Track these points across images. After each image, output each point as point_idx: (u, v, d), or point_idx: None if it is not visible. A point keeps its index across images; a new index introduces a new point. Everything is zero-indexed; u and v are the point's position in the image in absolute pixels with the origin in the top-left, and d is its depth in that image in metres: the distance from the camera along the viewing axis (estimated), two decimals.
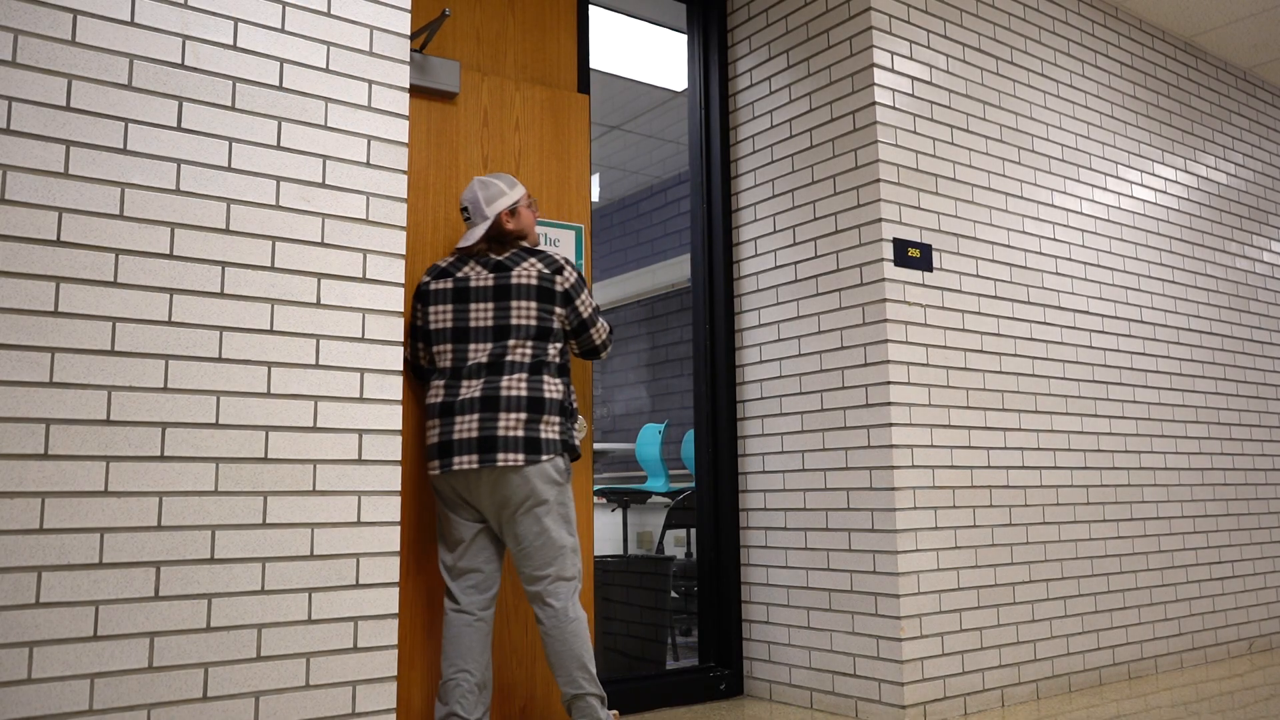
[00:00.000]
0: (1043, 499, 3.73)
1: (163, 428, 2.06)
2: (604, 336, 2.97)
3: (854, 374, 3.42)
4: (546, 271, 2.81)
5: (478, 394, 2.70)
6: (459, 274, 2.80)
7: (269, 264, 2.23)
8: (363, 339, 2.34)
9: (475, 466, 2.65)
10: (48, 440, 1.94)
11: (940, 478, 3.40)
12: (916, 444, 3.35)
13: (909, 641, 3.21)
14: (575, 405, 2.86)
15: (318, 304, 2.29)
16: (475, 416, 2.68)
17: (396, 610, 2.31)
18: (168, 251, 2.11)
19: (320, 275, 2.30)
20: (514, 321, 2.76)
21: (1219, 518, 4.49)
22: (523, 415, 2.69)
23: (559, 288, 2.82)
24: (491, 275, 2.79)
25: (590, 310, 2.91)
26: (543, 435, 2.70)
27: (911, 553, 3.27)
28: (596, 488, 5.76)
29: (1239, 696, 3.59)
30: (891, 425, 3.29)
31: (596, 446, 7.07)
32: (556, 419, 2.75)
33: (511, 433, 2.67)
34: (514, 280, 2.77)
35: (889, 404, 3.30)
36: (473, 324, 2.76)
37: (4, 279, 1.93)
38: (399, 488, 2.37)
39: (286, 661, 2.15)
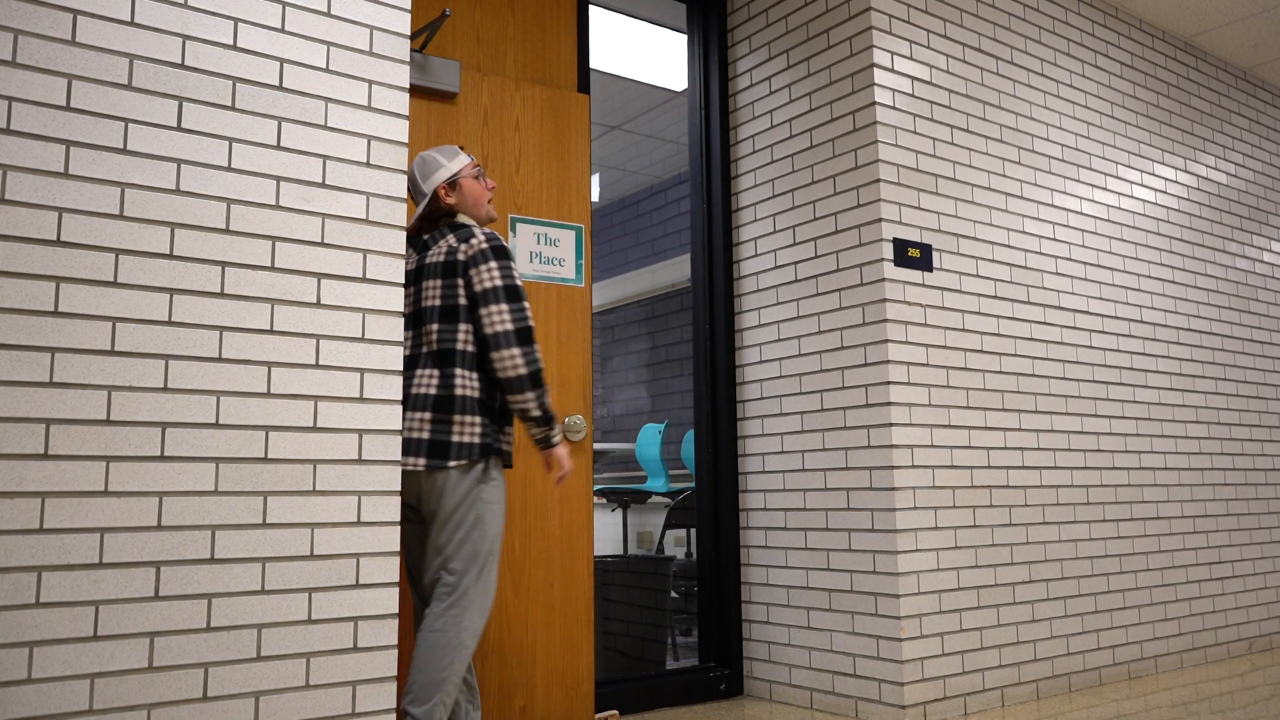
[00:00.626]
0: (1043, 499, 3.73)
1: (163, 428, 2.06)
2: (508, 325, 2.46)
3: (854, 374, 3.42)
4: (455, 243, 2.53)
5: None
6: (412, 259, 2.65)
7: (269, 264, 2.23)
8: (363, 339, 2.34)
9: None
10: (48, 440, 1.94)
11: (940, 478, 3.40)
12: (916, 444, 3.35)
13: (909, 641, 3.21)
14: (501, 405, 2.56)
15: (318, 304, 2.29)
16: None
17: (396, 610, 2.31)
18: (168, 251, 2.11)
19: (320, 275, 2.30)
20: (424, 304, 2.54)
21: (1219, 518, 4.49)
22: (427, 415, 2.46)
23: (461, 256, 2.50)
24: (416, 257, 2.61)
25: (492, 281, 2.47)
26: (453, 439, 2.44)
27: (911, 553, 3.27)
28: (596, 488, 5.76)
29: (1239, 696, 3.59)
30: (891, 425, 3.29)
31: (597, 446, 7.07)
32: (474, 419, 2.46)
33: (416, 434, 2.46)
34: (428, 259, 2.55)
35: (889, 404, 3.30)
36: (410, 310, 2.60)
37: (4, 279, 1.93)
38: (399, 488, 2.36)
39: (286, 661, 2.15)
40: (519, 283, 2.53)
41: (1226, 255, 4.82)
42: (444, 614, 2.42)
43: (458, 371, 2.49)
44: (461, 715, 2.59)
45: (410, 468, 2.46)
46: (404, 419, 2.49)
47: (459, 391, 2.47)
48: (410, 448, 2.46)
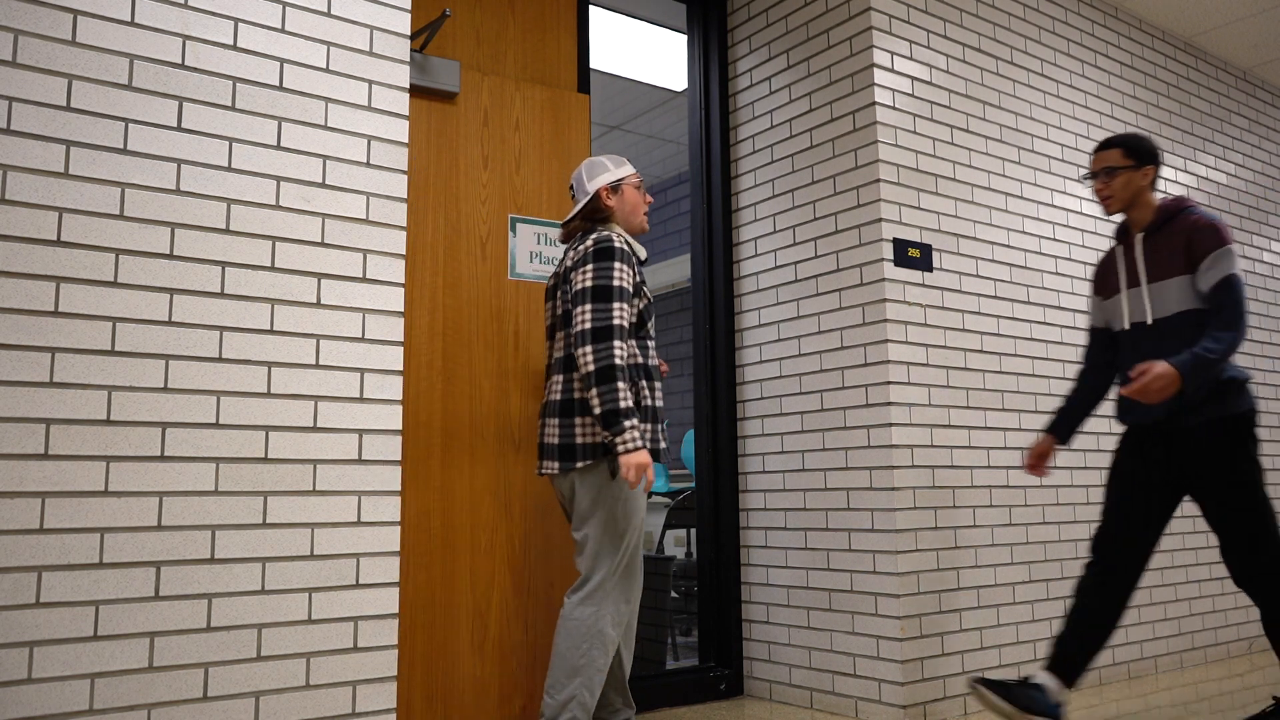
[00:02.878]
0: (1043, 499, 3.73)
1: (163, 428, 2.06)
2: (586, 324, 2.46)
3: (854, 374, 3.42)
4: (585, 248, 2.58)
5: (545, 398, 2.71)
6: (559, 265, 2.74)
7: (269, 264, 2.23)
8: (363, 339, 2.34)
9: (539, 474, 2.70)
10: (48, 440, 1.94)
11: (940, 478, 3.40)
12: (916, 444, 3.35)
13: (909, 641, 3.21)
14: (649, 403, 2.61)
15: (318, 304, 2.29)
16: (541, 422, 2.70)
17: (396, 610, 2.31)
18: (168, 251, 2.11)
19: (320, 275, 2.30)
20: (559, 311, 2.68)
21: None
22: (556, 420, 2.61)
23: (570, 262, 2.60)
24: (556, 272, 2.74)
25: (583, 283, 2.51)
26: (577, 441, 2.57)
27: (911, 553, 3.27)
28: None
29: (1239, 696, 3.59)
30: (891, 425, 3.29)
31: None
32: (594, 420, 2.56)
33: (549, 439, 2.63)
34: (567, 264, 2.66)
35: (889, 404, 3.30)
36: (552, 320, 2.75)
37: (4, 279, 1.93)
38: (399, 488, 2.36)
39: (286, 661, 2.15)
40: (614, 282, 2.51)
41: None
42: (581, 604, 2.55)
43: (572, 375, 2.61)
44: (610, 713, 2.69)
45: (549, 471, 2.62)
46: (542, 424, 2.68)
47: (578, 395, 2.58)
48: (547, 452, 2.62)
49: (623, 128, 6.47)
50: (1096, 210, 4.19)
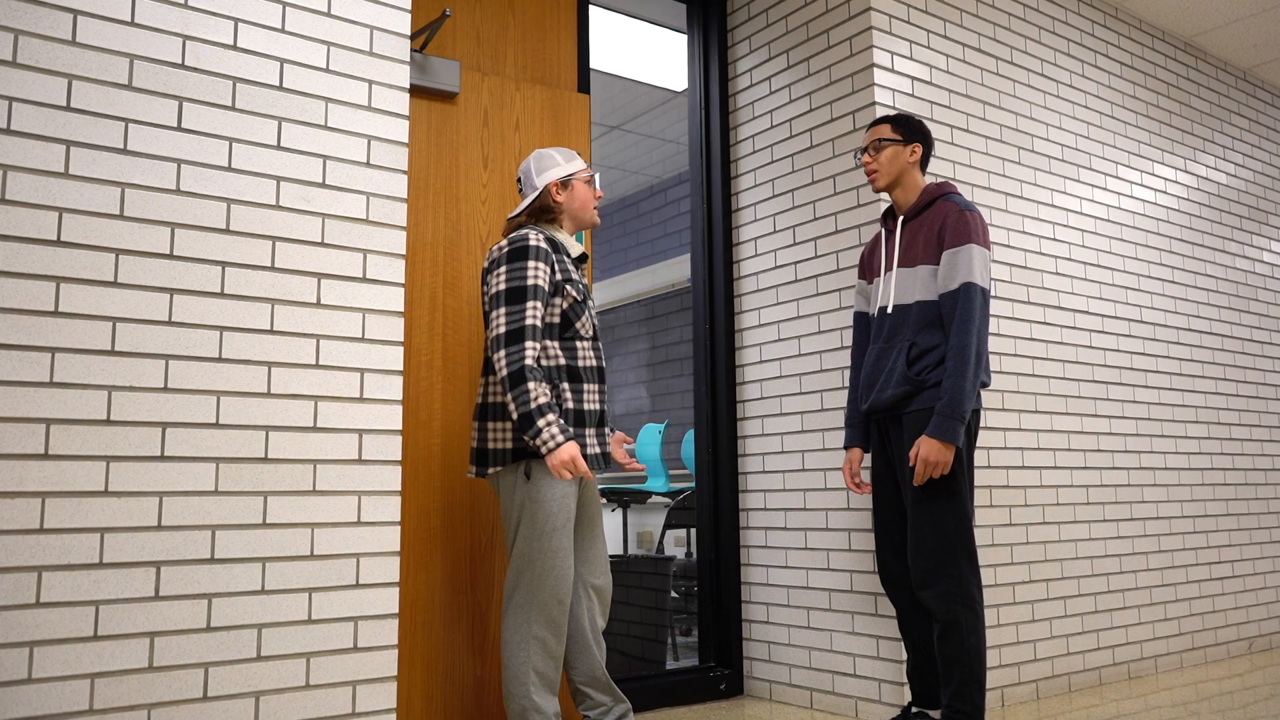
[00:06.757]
0: (1043, 499, 3.73)
1: (163, 428, 2.06)
2: (500, 329, 2.43)
3: None
4: (501, 248, 2.53)
5: None
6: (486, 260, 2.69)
7: (269, 264, 2.23)
8: (363, 339, 2.34)
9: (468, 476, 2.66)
10: (48, 440, 1.94)
11: None
12: None
13: None
14: (572, 406, 2.55)
15: (318, 304, 2.29)
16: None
17: (396, 610, 2.31)
18: (168, 251, 2.11)
19: (320, 275, 2.30)
20: (484, 310, 2.62)
21: (1219, 518, 4.49)
22: (475, 424, 2.61)
23: (487, 263, 2.55)
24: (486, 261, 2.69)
25: (497, 287, 2.48)
26: (489, 445, 2.55)
27: None
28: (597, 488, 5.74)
29: (1239, 696, 3.59)
30: None
31: None
32: (504, 425, 2.54)
33: (473, 444, 2.62)
34: (484, 264, 2.61)
35: None
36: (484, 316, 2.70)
37: (4, 279, 1.93)
38: (399, 488, 2.37)
39: (286, 661, 2.15)
40: (528, 281, 2.47)
41: (1226, 255, 4.82)
42: (511, 612, 2.53)
43: (489, 379, 2.61)
44: (603, 713, 2.65)
45: (472, 475, 2.62)
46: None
47: (490, 399, 2.58)
48: (470, 456, 2.64)
49: (623, 128, 6.47)
50: (1097, 210, 4.19)
